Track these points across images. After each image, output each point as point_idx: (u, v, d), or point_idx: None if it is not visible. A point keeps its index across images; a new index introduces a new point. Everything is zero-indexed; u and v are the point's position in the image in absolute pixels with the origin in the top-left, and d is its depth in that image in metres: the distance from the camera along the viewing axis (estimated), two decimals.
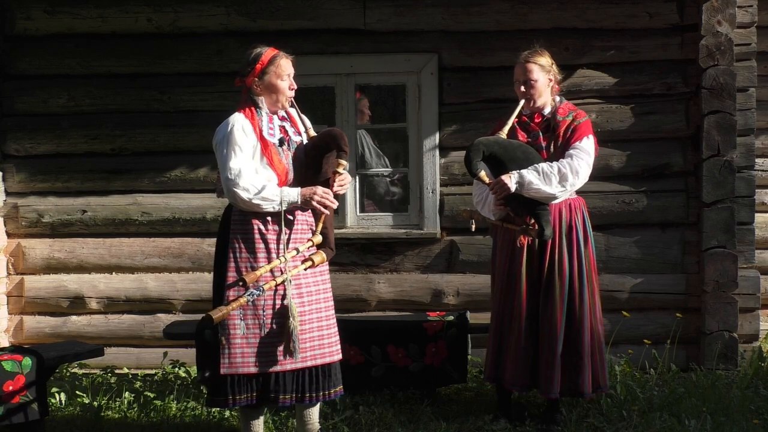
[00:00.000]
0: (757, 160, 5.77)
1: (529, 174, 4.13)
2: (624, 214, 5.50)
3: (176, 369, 5.36)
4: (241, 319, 3.73)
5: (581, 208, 4.39)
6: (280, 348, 3.75)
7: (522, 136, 4.33)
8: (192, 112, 5.63)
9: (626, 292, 5.50)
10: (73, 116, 5.66)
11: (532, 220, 4.18)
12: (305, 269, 3.83)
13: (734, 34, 5.34)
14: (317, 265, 3.87)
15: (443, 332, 4.86)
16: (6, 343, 5.58)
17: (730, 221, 5.36)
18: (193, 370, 5.20)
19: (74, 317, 5.73)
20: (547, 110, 4.37)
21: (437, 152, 5.55)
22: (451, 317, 4.97)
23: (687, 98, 5.47)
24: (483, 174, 4.15)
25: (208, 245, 5.67)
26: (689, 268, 5.49)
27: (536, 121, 4.36)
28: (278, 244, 3.78)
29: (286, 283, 3.75)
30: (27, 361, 4.19)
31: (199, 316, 5.19)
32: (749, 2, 5.46)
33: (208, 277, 5.64)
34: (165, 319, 5.63)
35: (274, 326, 3.75)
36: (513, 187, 4.11)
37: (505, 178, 4.12)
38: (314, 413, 3.99)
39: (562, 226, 4.29)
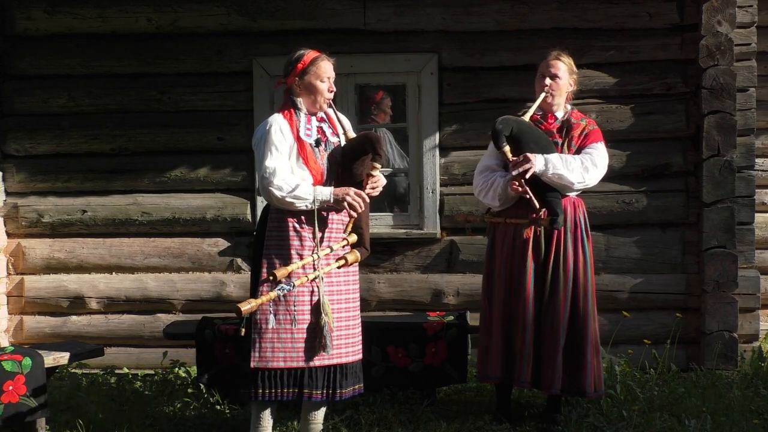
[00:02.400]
0: (757, 160, 5.76)
1: (554, 157, 4.19)
2: (624, 214, 5.50)
3: (176, 369, 5.36)
4: (271, 313, 3.77)
5: (582, 207, 4.42)
6: (312, 344, 3.79)
7: None
8: (192, 112, 5.64)
9: (626, 292, 5.50)
10: (73, 116, 5.66)
11: (542, 211, 4.19)
12: (338, 267, 3.87)
13: (734, 34, 5.33)
14: (351, 264, 3.92)
15: (443, 332, 4.85)
16: (6, 343, 5.58)
17: (730, 221, 5.36)
18: (193, 370, 5.19)
19: (74, 317, 5.73)
20: (559, 113, 4.43)
21: (437, 152, 5.55)
22: (451, 317, 4.97)
23: (687, 98, 5.47)
24: (507, 149, 4.19)
25: (208, 245, 5.68)
26: (689, 268, 5.49)
27: (549, 121, 4.40)
28: (312, 241, 3.82)
29: (318, 280, 3.80)
30: (27, 361, 4.20)
31: (198, 316, 5.23)
32: (749, 2, 5.46)
33: (208, 277, 5.69)
34: (165, 319, 5.63)
35: (306, 322, 3.80)
36: (539, 164, 4.15)
37: (530, 155, 4.16)
38: (320, 414, 4.02)
39: (567, 222, 4.31)
